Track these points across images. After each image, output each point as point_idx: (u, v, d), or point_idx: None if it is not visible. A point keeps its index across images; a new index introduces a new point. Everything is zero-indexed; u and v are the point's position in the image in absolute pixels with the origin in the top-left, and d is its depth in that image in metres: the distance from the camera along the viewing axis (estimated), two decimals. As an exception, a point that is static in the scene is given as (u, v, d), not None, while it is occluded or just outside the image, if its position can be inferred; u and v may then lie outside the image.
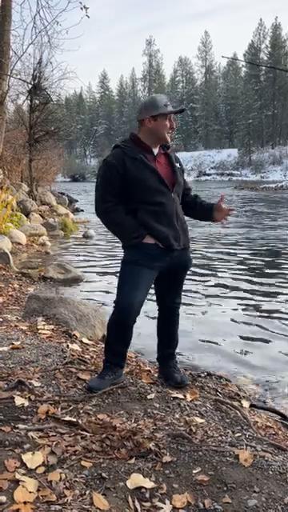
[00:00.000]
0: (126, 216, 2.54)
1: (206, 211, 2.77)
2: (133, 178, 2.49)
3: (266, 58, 70.43)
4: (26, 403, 2.28)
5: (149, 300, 2.75)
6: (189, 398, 2.60)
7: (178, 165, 2.68)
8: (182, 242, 2.61)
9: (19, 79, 13.86)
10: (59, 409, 2.28)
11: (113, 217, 2.57)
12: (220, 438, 2.15)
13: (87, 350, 3.36)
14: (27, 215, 12.32)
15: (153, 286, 2.75)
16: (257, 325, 4.68)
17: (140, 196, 2.52)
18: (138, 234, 2.51)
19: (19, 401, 2.29)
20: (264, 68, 68.76)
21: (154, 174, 2.51)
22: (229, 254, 8.98)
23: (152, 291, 2.78)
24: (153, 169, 2.51)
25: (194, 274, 6.61)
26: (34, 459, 1.81)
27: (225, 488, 1.76)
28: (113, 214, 2.56)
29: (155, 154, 2.60)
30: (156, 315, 2.90)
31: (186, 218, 2.75)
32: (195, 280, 6.37)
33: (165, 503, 1.67)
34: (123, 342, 2.63)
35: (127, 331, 2.59)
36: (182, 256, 2.65)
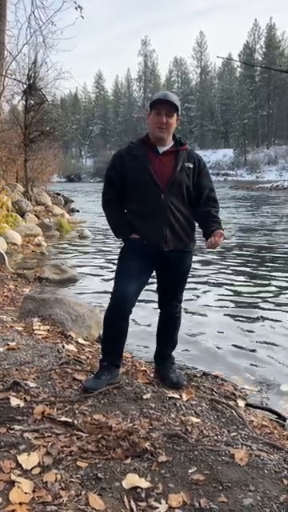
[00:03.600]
0: (117, 213, 2.66)
1: (204, 231, 2.64)
2: (128, 175, 2.55)
3: (260, 59, 70.63)
4: (22, 404, 2.28)
5: (147, 300, 2.75)
6: (185, 397, 2.60)
7: (189, 165, 2.58)
8: (171, 244, 2.55)
9: (14, 79, 13.87)
10: (55, 409, 2.28)
11: (107, 212, 2.71)
12: (216, 437, 2.15)
13: (83, 350, 3.36)
14: (22, 215, 12.29)
15: (155, 287, 2.76)
16: (253, 325, 4.69)
17: (131, 194, 2.57)
18: (124, 232, 2.62)
19: (15, 401, 2.28)
20: (259, 68, 68.90)
21: (146, 172, 2.50)
22: (226, 254, 8.99)
23: (153, 292, 2.79)
24: (146, 167, 2.51)
25: (191, 271, 6.60)
26: (29, 460, 1.81)
27: (220, 487, 1.76)
28: (106, 210, 2.71)
29: (161, 151, 2.57)
30: (153, 316, 2.91)
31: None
32: (192, 280, 6.37)
33: (160, 503, 1.67)
34: (118, 337, 2.64)
35: (122, 323, 2.60)
36: (177, 258, 2.62)
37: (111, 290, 2.63)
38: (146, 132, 2.70)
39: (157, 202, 2.51)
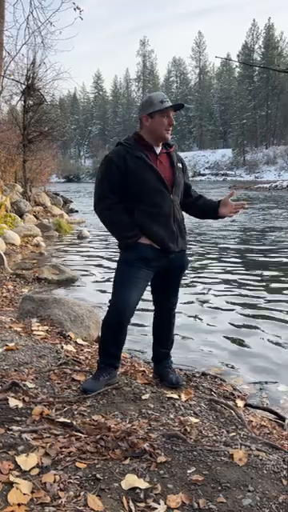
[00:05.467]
0: (123, 216, 2.51)
1: (210, 208, 2.73)
2: (133, 176, 2.47)
3: (259, 59, 70.66)
4: (20, 405, 2.28)
5: (145, 300, 2.75)
6: (183, 397, 2.60)
7: (180, 165, 2.64)
8: (179, 244, 2.58)
9: (13, 80, 13.88)
10: (53, 410, 2.28)
11: (109, 215, 2.56)
12: (215, 437, 2.15)
13: (82, 350, 3.35)
14: (21, 216, 12.29)
15: (149, 285, 2.75)
16: (251, 324, 4.69)
17: (138, 195, 2.50)
18: (132, 235, 2.50)
19: (13, 402, 2.28)
20: (257, 68, 69.02)
21: (154, 174, 2.49)
22: (224, 253, 9.00)
23: (148, 291, 2.78)
24: (153, 168, 2.49)
25: (190, 272, 6.62)
26: (28, 461, 1.80)
27: (219, 487, 1.76)
28: (109, 212, 2.55)
29: (157, 152, 2.57)
30: (152, 315, 2.91)
31: (187, 219, 2.73)
32: (190, 279, 6.38)
33: (159, 503, 1.67)
34: (117, 343, 2.62)
35: (121, 331, 2.58)
36: (179, 258, 2.63)
37: (110, 292, 2.60)
38: (134, 132, 2.65)
39: (167, 204, 2.51)
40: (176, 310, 2.89)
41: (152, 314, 2.89)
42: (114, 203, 2.53)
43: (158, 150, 2.59)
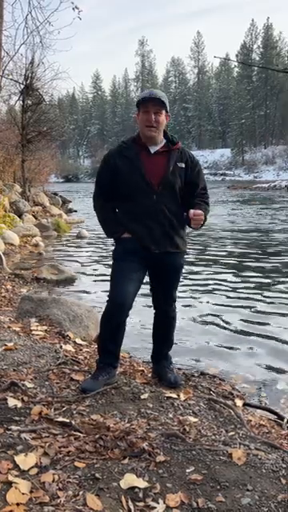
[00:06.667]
0: (110, 213, 2.66)
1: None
2: (120, 175, 2.53)
3: (257, 59, 70.71)
4: (19, 404, 2.27)
5: (143, 300, 2.75)
6: (182, 397, 2.60)
7: (181, 164, 2.56)
8: (162, 245, 2.55)
9: (11, 79, 13.87)
10: (52, 410, 2.28)
11: (99, 212, 2.71)
12: (213, 436, 2.15)
13: (80, 350, 3.35)
14: (20, 216, 12.28)
15: (149, 286, 2.77)
16: (250, 324, 4.69)
17: (123, 194, 2.56)
18: (116, 231, 2.61)
19: (12, 402, 2.28)
20: (256, 68, 69.07)
21: (139, 174, 2.49)
22: (223, 254, 9.00)
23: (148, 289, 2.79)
24: (138, 168, 2.50)
25: (189, 272, 6.62)
26: (26, 461, 1.80)
27: (218, 487, 1.76)
28: (100, 210, 2.70)
29: (152, 151, 2.55)
30: (150, 315, 2.91)
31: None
32: (189, 279, 6.38)
33: (158, 503, 1.67)
34: (116, 339, 2.63)
35: (119, 326, 2.60)
36: (169, 258, 2.61)
37: (108, 290, 2.63)
38: (137, 131, 2.67)
39: (149, 203, 2.50)
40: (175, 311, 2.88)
41: (151, 313, 2.89)
42: (104, 201, 2.67)
43: (155, 148, 2.57)
